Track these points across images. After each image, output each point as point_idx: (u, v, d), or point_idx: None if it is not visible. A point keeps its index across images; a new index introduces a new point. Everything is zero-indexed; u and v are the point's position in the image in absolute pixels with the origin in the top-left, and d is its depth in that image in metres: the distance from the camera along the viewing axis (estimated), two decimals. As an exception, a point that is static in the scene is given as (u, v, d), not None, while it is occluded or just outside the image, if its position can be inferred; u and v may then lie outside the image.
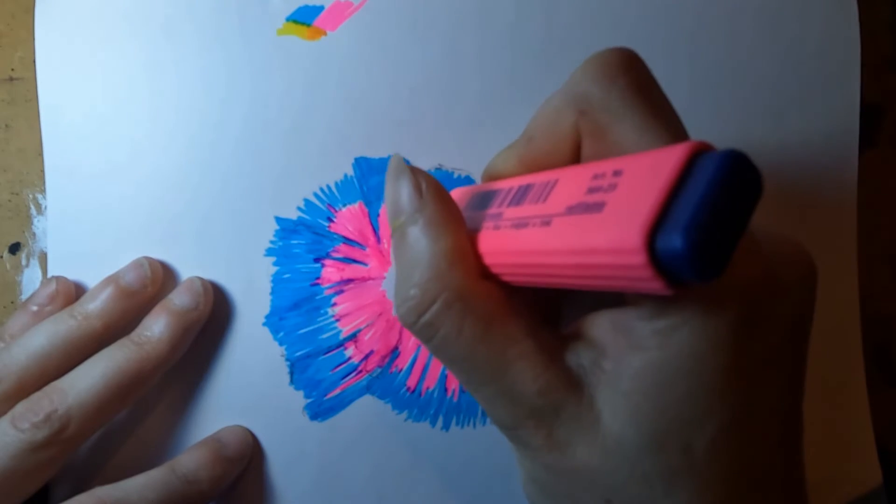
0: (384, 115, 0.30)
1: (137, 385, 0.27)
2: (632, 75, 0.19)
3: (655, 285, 0.14)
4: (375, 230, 0.30)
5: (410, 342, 0.30)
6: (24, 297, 0.31)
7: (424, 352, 0.30)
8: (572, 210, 0.16)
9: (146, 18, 0.30)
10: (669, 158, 0.15)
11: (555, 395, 0.18)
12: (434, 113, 0.30)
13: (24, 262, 0.31)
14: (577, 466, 0.18)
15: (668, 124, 0.18)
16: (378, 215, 0.30)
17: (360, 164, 0.30)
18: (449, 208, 0.20)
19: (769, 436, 0.18)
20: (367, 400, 0.30)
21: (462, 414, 0.30)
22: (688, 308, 0.17)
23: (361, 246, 0.30)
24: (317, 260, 0.30)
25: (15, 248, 0.31)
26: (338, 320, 0.30)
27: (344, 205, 0.30)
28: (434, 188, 0.20)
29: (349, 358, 0.30)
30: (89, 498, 0.25)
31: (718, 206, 0.13)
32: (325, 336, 0.30)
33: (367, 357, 0.30)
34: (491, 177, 0.23)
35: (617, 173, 0.16)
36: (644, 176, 0.15)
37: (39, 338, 0.27)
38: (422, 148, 0.30)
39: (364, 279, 0.30)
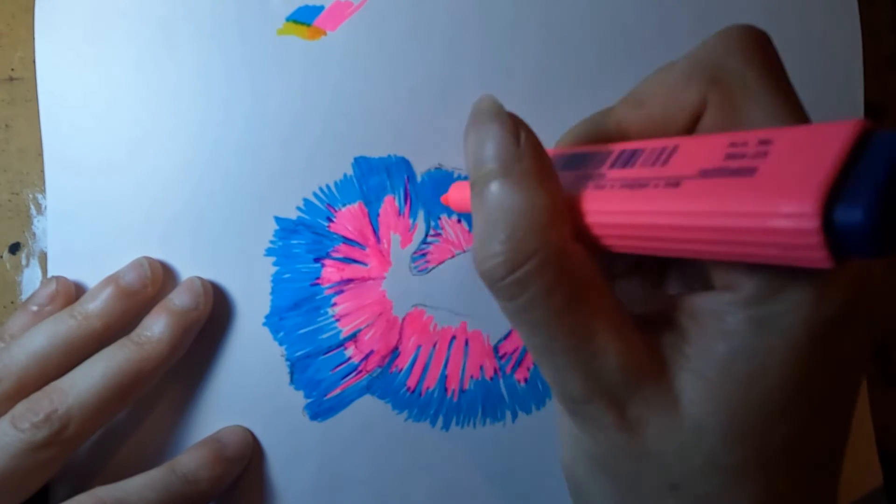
0: (384, 114, 0.30)
1: (137, 385, 0.27)
2: (768, 54, 0.18)
3: (818, 256, 0.13)
4: (375, 230, 0.30)
5: (410, 342, 0.30)
6: (24, 297, 0.31)
7: (424, 352, 0.30)
8: (709, 174, 0.15)
9: (146, 18, 0.30)
10: (839, 132, 0.14)
11: (637, 372, 0.17)
12: (434, 113, 0.30)
13: (24, 262, 0.31)
14: (647, 449, 0.18)
15: (799, 111, 0.18)
16: (378, 215, 0.30)
17: (360, 163, 0.30)
18: (548, 162, 0.18)
19: (834, 437, 0.18)
20: (367, 400, 0.30)
21: (462, 414, 0.30)
22: (795, 297, 0.16)
23: (361, 246, 0.30)
24: (317, 260, 0.30)
25: (15, 248, 0.31)
26: (338, 320, 0.30)
27: (343, 205, 0.30)
28: (533, 139, 0.19)
29: (349, 358, 0.30)
30: (89, 498, 0.25)
31: None
32: (325, 336, 0.30)
33: (367, 357, 0.30)
34: (581, 140, 0.21)
35: (765, 142, 0.15)
36: (805, 147, 0.14)
37: (39, 338, 0.27)
38: (422, 148, 0.30)
39: (364, 279, 0.30)
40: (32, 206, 0.31)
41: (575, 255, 0.18)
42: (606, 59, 0.31)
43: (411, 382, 0.30)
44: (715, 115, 0.18)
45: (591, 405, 0.18)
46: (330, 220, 0.30)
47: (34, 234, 0.31)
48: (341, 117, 0.30)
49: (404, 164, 0.30)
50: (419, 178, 0.30)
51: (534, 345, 0.19)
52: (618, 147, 0.19)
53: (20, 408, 0.26)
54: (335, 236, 0.30)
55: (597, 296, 0.18)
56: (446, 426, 0.30)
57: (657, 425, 0.17)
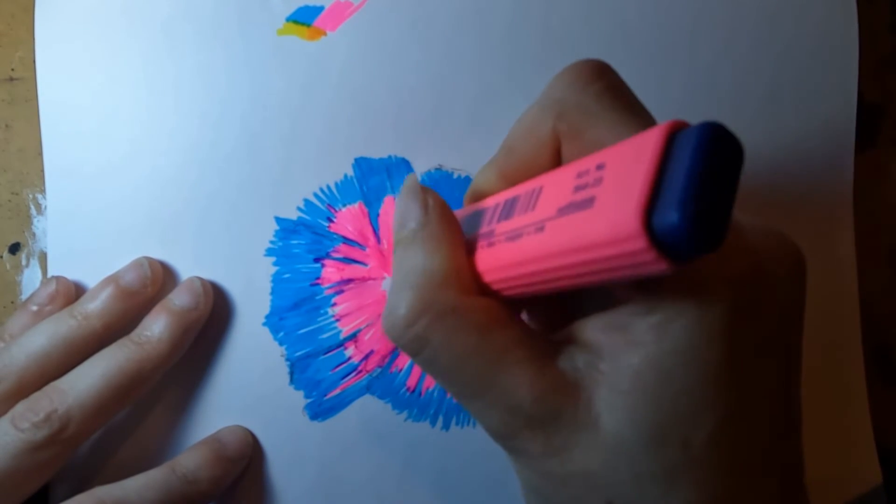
0: (384, 115, 0.30)
1: (137, 385, 0.27)
2: (604, 79, 0.20)
3: (659, 266, 0.14)
4: (375, 230, 0.30)
5: (410, 342, 0.30)
6: (24, 297, 0.31)
7: (424, 352, 0.30)
8: (563, 211, 0.17)
9: (146, 18, 0.30)
10: (649, 140, 0.15)
11: (551, 400, 0.18)
12: (434, 113, 0.30)
13: (24, 262, 0.31)
14: (577, 470, 0.18)
15: (641, 119, 0.19)
16: (378, 215, 0.30)
17: (360, 164, 0.30)
18: (451, 226, 0.20)
19: (766, 427, 0.18)
20: (367, 400, 0.30)
21: (462, 414, 0.30)
22: (681, 300, 0.17)
23: (361, 246, 0.30)
24: (317, 260, 0.30)
25: (15, 248, 0.31)
26: (338, 320, 0.30)
27: (344, 205, 0.30)
28: (439, 206, 0.21)
29: (349, 358, 0.30)
30: (89, 498, 0.25)
31: (706, 176, 0.14)
32: (325, 336, 0.30)
33: (367, 357, 0.30)
34: (476, 196, 0.23)
35: (600, 167, 0.16)
36: (627, 163, 0.15)
37: (39, 338, 0.27)
38: (422, 148, 0.30)
39: (364, 279, 0.30)
40: (32, 206, 0.31)
41: (474, 307, 0.19)
42: (606, 60, 0.30)
43: (411, 382, 0.30)
44: (569, 147, 0.20)
45: (518, 439, 0.19)
46: (330, 220, 0.30)
47: (34, 234, 0.31)
48: (342, 118, 0.30)
49: (405, 165, 0.30)
50: (419, 179, 0.30)
51: (452, 393, 0.20)
52: (502, 198, 0.20)
53: (20, 408, 0.26)
54: (335, 236, 0.30)
55: (501, 337, 0.19)
56: (446, 426, 0.30)
57: (582, 446, 0.18)
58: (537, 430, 0.18)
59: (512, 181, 0.21)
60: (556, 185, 0.18)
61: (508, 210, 0.20)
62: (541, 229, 0.17)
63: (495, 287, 0.20)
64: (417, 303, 0.19)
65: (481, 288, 0.20)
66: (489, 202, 0.21)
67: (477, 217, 0.21)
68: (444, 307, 0.19)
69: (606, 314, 0.18)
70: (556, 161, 0.21)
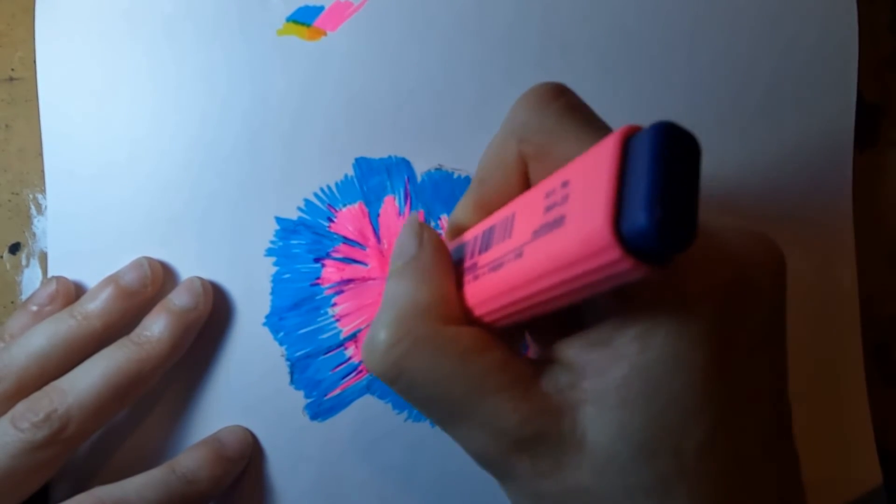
0: (384, 115, 0.30)
1: (137, 385, 0.27)
2: (563, 99, 0.20)
3: (638, 272, 0.14)
4: (375, 230, 0.30)
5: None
6: (24, 297, 0.31)
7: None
8: (538, 233, 0.17)
9: (146, 18, 0.30)
10: (605, 150, 0.15)
11: (536, 422, 0.18)
12: (434, 113, 0.30)
13: (24, 262, 0.31)
14: (567, 489, 0.18)
15: (603, 133, 0.19)
16: (378, 215, 0.30)
17: (361, 164, 0.30)
18: (442, 261, 0.21)
19: (758, 431, 0.18)
20: (368, 400, 0.30)
21: (462, 414, 0.30)
22: (662, 309, 0.17)
23: (361, 246, 0.30)
24: (317, 260, 0.30)
25: (15, 248, 0.31)
26: (338, 320, 0.30)
27: (344, 205, 0.30)
28: (434, 240, 0.21)
29: (349, 358, 0.30)
30: (88, 497, 0.25)
31: (666, 175, 0.14)
32: (325, 336, 0.30)
33: (367, 357, 0.30)
34: (456, 230, 0.23)
35: (565, 184, 0.16)
36: (589, 175, 0.15)
37: (39, 338, 0.27)
38: (422, 148, 0.30)
39: (364, 279, 0.30)
40: (32, 206, 0.31)
41: (454, 335, 0.19)
42: (606, 60, 0.31)
43: (411, 382, 0.30)
44: (536, 168, 0.20)
45: (505, 463, 0.19)
46: (330, 220, 0.30)
47: (34, 234, 0.31)
48: (342, 118, 0.30)
49: (405, 165, 0.30)
50: (419, 179, 0.30)
51: (434, 420, 0.20)
52: (480, 229, 0.21)
53: (20, 407, 0.26)
54: (335, 236, 0.30)
55: (484, 362, 0.19)
56: (446, 426, 0.30)
57: (571, 465, 0.18)
58: (524, 454, 0.18)
59: (488, 210, 0.21)
60: (528, 209, 0.18)
61: (487, 241, 0.20)
62: (520, 255, 0.17)
63: (488, 319, 0.20)
64: (397, 330, 0.19)
65: (473, 322, 0.20)
66: (469, 235, 0.22)
67: (459, 251, 0.22)
68: (422, 335, 0.19)
69: (588, 332, 0.19)
70: (526, 185, 0.21)
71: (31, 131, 0.30)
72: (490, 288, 0.19)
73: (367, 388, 0.30)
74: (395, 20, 0.30)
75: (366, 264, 0.30)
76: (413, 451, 0.30)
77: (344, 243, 0.30)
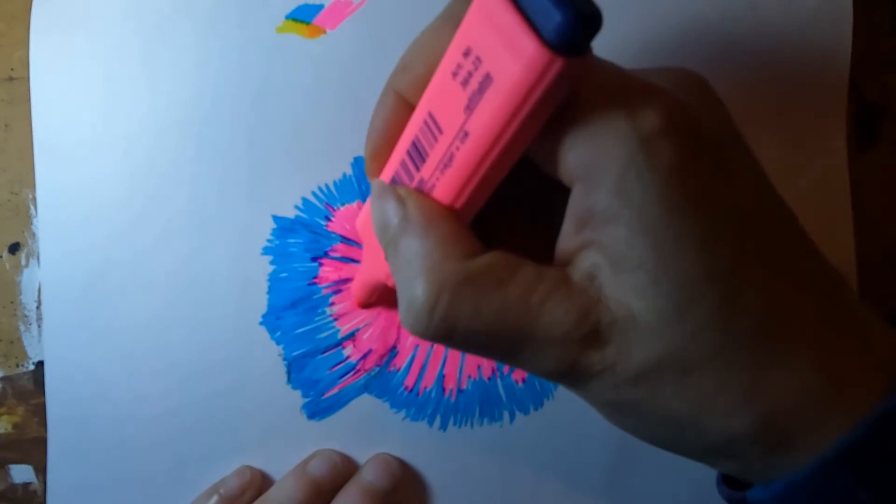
0: (382, 114, 0.30)
1: None
2: None
3: (575, 69, 0.16)
4: (374, 229, 0.30)
5: (409, 341, 0.30)
6: (23, 297, 0.31)
7: (422, 351, 0.30)
8: (471, 106, 0.18)
9: (145, 16, 0.30)
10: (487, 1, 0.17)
11: (591, 313, 0.18)
12: (432, 112, 0.30)
13: (23, 261, 0.31)
14: (639, 365, 0.18)
15: None
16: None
17: (360, 163, 0.30)
18: (430, 204, 0.20)
19: (767, 222, 0.19)
20: (365, 399, 0.30)
21: (459, 414, 0.30)
22: (614, 146, 0.17)
23: (359, 245, 0.30)
24: (314, 259, 0.30)
25: (14, 248, 0.31)
26: (335, 319, 0.30)
27: (342, 204, 0.30)
28: (414, 194, 0.21)
29: (347, 357, 0.30)
30: None
31: None
32: (322, 335, 0.30)
33: (364, 356, 0.30)
34: (376, 151, 0.23)
35: (467, 52, 0.18)
36: (489, 28, 0.17)
37: None
38: (420, 147, 0.30)
39: (362, 279, 0.30)
40: (32, 206, 0.31)
41: (484, 267, 0.19)
42: (603, 56, 0.30)
43: (409, 382, 0.30)
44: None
45: (579, 368, 0.19)
46: (328, 219, 0.30)
47: (34, 234, 0.31)
48: (341, 116, 0.30)
49: (403, 164, 0.30)
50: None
51: (497, 359, 0.20)
52: (401, 154, 0.21)
53: None
54: (333, 235, 0.30)
55: (522, 281, 0.19)
56: (444, 426, 0.30)
57: (634, 340, 0.18)
58: (592, 350, 0.18)
59: (412, 98, 0.21)
60: (442, 98, 0.19)
61: (417, 155, 0.20)
62: (466, 135, 0.18)
63: (476, 208, 0.20)
64: (432, 285, 0.18)
65: (476, 248, 0.20)
66: (393, 166, 0.22)
67: (398, 180, 0.22)
68: (457, 279, 0.18)
69: (570, 218, 0.19)
70: None
71: (30, 131, 0.30)
72: (456, 180, 0.19)
73: (365, 388, 0.30)
74: (395, 18, 0.30)
75: (364, 263, 0.30)
76: (410, 451, 0.30)
77: (342, 242, 0.30)
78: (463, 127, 0.18)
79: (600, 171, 0.18)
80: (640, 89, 0.18)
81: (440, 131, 0.19)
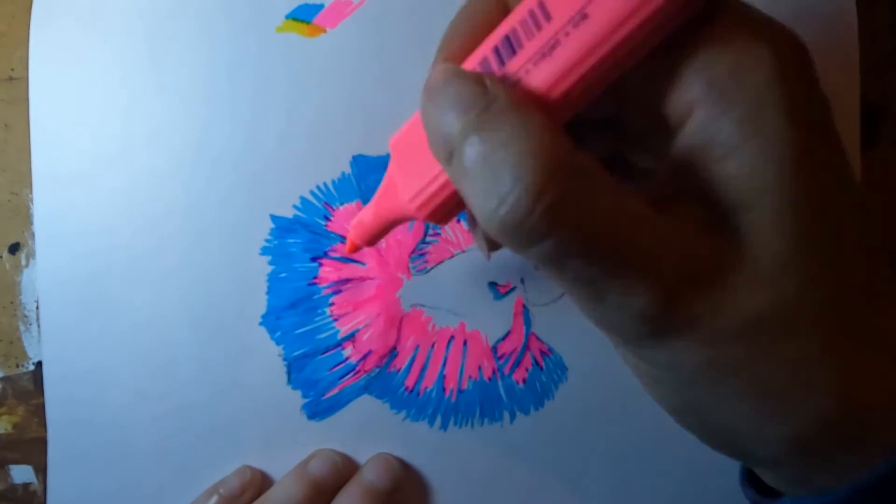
0: (383, 113, 0.30)
1: None
2: None
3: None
4: (373, 229, 0.30)
5: (409, 342, 0.30)
6: (22, 297, 0.31)
7: (423, 352, 0.30)
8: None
9: (144, 14, 0.30)
10: None
11: (696, 252, 0.16)
12: (432, 112, 0.30)
13: (23, 261, 0.31)
14: (745, 315, 0.16)
15: None
16: (376, 214, 0.30)
17: (359, 162, 0.30)
18: (523, 91, 0.17)
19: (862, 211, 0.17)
20: (365, 400, 0.30)
21: (460, 414, 0.30)
22: (759, 72, 0.16)
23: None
24: (314, 259, 0.30)
25: (14, 248, 0.31)
26: (336, 320, 0.30)
27: (341, 203, 0.30)
28: (500, 80, 0.17)
29: (347, 358, 0.30)
30: None
31: None
32: (322, 336, 0.30)
33: (365, 357, 0.30)
34: (453, 50, 0.20)
35: None
36: None
37: None
38: (420, 147, 0.30)
39: (362, 279, 0.30)
40: (32, 207, 0.31)
41: (594, 166, 0.16)
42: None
43: (409, 382, 0.30)
44: None
45: (678, 311, 0.16)
46: (328, 218, 0.30)
47: (34, 234, 0.31)
48: (340, 115, 0.30)
49: (402, 163, 0.30)
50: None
51: (582, 285, 0.17)
52: (493, 43, 0.18)
53: None
54: (333, 235, 0.30)
55: (635, 195, 0.16)
56: (444, 426, 0.30)
57: (744, 286, 0.16)
58: (693, 291, 0.16)
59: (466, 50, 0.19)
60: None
61: (509, 47, 0.18)
62: (584, 18, 0.16)
63: (560, 109, 0.17)
64: (542, 166, 0.15)
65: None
66: (471, 62, 0.19)
67: (501, 53, 0.18)
68: (571, 165, 0.15)
69: (683, 150, 0.17)
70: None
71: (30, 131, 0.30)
72: (557, 69, 0.17)
73: (365, 388, 0.30)
74: (394, 18, 0.30)
75: (363, 263, 0.30)
76: (411, 451, 0.30)
77: (341, 242, 0.30)
78: (583, 9, 0.16)
79: (733, 94, 0.16)
80: (779, 27, 0.17)
81: (547, 18, 0.17)
